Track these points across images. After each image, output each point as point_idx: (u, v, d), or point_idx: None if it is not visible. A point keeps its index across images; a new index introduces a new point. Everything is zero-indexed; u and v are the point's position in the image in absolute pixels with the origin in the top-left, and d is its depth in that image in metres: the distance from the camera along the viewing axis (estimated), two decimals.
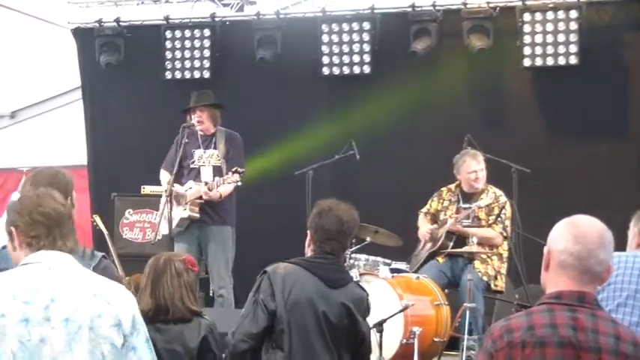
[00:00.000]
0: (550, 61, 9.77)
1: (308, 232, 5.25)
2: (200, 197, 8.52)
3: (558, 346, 3.02)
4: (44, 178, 4.08)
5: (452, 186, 8.78)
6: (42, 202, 3.28)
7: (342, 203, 5.25)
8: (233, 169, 8.37)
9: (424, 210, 8.88)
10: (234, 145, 8.84)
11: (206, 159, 8.79)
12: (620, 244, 4.58)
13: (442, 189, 8.83)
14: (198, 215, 8.57)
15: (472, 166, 8.58)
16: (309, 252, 5.26)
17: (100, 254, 4.01)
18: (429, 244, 8.72)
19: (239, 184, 8.39)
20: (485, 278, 8.31)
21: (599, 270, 3.13)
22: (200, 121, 8.77)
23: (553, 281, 3.17)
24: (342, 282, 5.18)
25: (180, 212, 8.55)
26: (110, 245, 8.95)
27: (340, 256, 5.34)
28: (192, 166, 8.76)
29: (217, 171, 8.70)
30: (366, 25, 10.43)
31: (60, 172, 4.16)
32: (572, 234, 3.14)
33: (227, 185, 8.42)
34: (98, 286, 3.21)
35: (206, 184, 8.54)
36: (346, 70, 10.48)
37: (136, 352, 3.17)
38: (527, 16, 9.86)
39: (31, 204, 3.28)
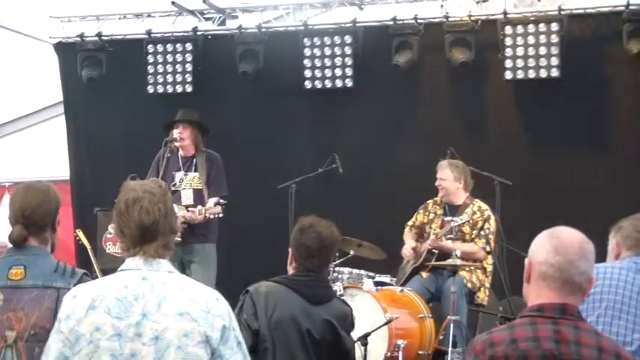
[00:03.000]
0: (532, 74, 9.79)
1: (289, 249, 5.26)
2: (182, 222, 8.49)
3: (541, 359, 3.02)
4: (36, 193, 4.06)
5: (437, 198, 8.79)
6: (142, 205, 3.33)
7: (322, 220, 5.26)
8: (215, 201, 8.40)
9: (410, 223, 8.89)
10: (216, 167, 8.79)
11: (187, 182, 8.75)
12: (602, 256, 4.61)
13: (428, 202, 8.84)
14: (179, 239, 8.54)
15: (437, 174, 8.64)
16: (290, 270, 5.27)
17: (80, 271, 3.99)
18: (412, 260, 8.72)
19: (220, 215, 8.40)
20: (469, 285, 8.31)
21: (580, 281, 3.14)
22: (182, 137, 8.73)
23: (534, 293, 3.17)
24: (325, 298, 5.19)
25: None
26: (93, 260, 8.93)
27: (322, 272, 5.35)
28: (172, 188, 8.71)
29: (198, 194, 8.68)
30: (348, 39, 10.44)
31: (51, 188, 4.14)
32: (553, 245, 3.15)
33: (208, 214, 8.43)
34: (187, 301, 3.26)
35: (187, 209, 8.50)
36: (328, 84, 10.48)
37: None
38: (508, 29, 9.88)
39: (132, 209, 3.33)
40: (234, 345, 3.28)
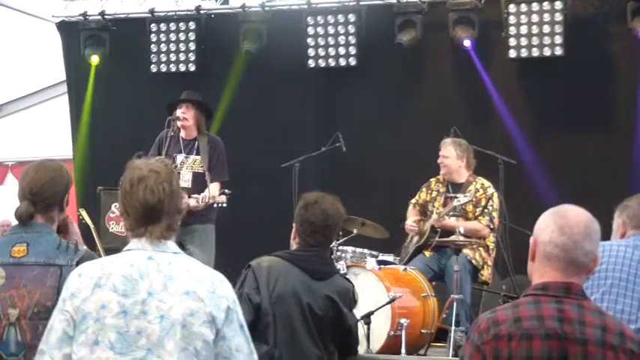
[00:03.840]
0: (535, 53, 9.79)
1: (293, 224, 5.26)
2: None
3: (545, 338, 3.01)
4: (46, 171, 4.04)
5: (440, 177, 8.78)
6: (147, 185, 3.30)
7: (327, 196, 5.25)
8: (221, 191, 8.38)
9: (413, 201, 8.88)
10: (218, 152, 8.73)
11: (188, 165, 8.72)
12: (607, 235, 4.60)
13: (431, 180, 8.83)
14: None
15: (440, 151, 8.63)
16: (294, 245, 5.27)
17: (83, 248, 3.99)
18: (415, 238, 8.73)
19: (224, 205, 8.38)
20: (473, 262, 8.30)
21: (585, 261, 3.12)
22: (185, 116, 8.69)
23: (539, 272, 3.16)
24: (327, 274, 5.19)
25: None
26: (97, 239, 8.93)
27: (325, 248, 5.34)
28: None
29: (198, 177, 8.64)
30: (352, 17, 10.42)
31: (63, 168, 4.12)
32: (558, 224, 3.13)
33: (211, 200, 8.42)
34: (193, 281, 3.25)
35: (188, 195, 8.48)
36: (332, 63, 10.47)
37: (226, 341, 3.23)
38: (512, 8, 9.87)
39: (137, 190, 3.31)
40: (237, 327, 3.27)
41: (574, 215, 3.15)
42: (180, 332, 3.16)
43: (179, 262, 3.30)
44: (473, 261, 8.30)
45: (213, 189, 8.50)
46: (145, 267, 3.23)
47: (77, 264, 3.81)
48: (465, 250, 8.27)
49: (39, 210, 3.96)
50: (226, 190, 8.40)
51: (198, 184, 8.61)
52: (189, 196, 8.51)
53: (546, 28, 9.74)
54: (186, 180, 8.65)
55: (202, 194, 8.46)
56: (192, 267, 3.31)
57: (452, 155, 8.60)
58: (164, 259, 3.27)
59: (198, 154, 8.70)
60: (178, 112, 8.72)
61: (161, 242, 3.30)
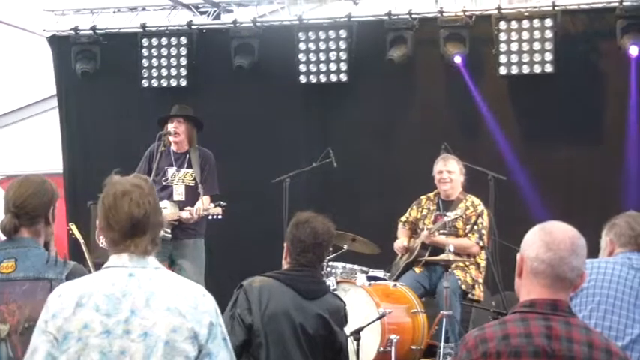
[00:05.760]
0: (526, 69, 9.82)
1: (284, 244, 5.27)
2: (175, 220, 8.48)
3: (533, 355, 3.03)
4: (30, 184, 4.06)
5: (431, 194, 8.79)
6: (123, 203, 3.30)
7: (319, 216, 5.27)
8: (216, 203, 8.39)
9: (403, 219, 8.88)
10: (209, 166, 8.76)
11: (179, 178, 8.74)
12: (596, 251, 4.62)
13: (421, 197, 8.84)
14: (170, 236, 8.53)
15: (439, 166, 8.64)
16: (285, 264, 5.28)
17: (72, 263, 3.99)
18: (406, 255, 8.73)
19: (219, 217, 8.39)
20: (463, 286, 8.32)
21: (572, 276, 3.14)
22: (177, 131, 8.71)
23: (526, 288, 3.18)
24: (318, 293, 5.20)
25: None
26: (86, 254, 8.90)
27: (316, 267, 5.35)
28: (164, 183, 8.70)
29: (190, 191, 8.67)
30: (343, 33, 10.44)
31: (47, 182, 4.14)
32: (544, 241, 3.15)
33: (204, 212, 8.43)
34: (175, 296, 3.25)
35: (181, 208, 8.50)
36: (323, 78, 10.49)
37: (212, 358, 3.23)
38: (502, 25, 9.90)
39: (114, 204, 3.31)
40: (220, 341, 3.27)
41: (560, 231, 3.17)
42: (163, 349, 3.15)
43: (160, 278, 3.30)
44: (463, 285, 8.31)
45: (206, 202, 8.52)
46: (126, 285, 3.23)
47: (67, 278, 3.82)
48: (456, 272, 8.27)
49: (24, 223, 3.97)
50: (221, 202, 8.42)
51: (192, 197, 8.64)
52: (182, 209, 8.53)
53: (536, 46, 9.77)
54: (179, 193, 8.68)
55: (195, 207, 8.48)
56: (173, 282, 3.31)
57: (456, 170, 8.62)
58: (145, 275, 3.26)
59: (189, 167, 8.72)
60: (170, 127, 8.74)
61: (142, 258, 3.29)
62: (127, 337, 3.15)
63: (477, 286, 8.44)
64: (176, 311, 3.20)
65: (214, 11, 11.30)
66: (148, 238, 3.30)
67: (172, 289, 3.27)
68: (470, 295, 8.39)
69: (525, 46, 9.81)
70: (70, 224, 9.48)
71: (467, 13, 10.12)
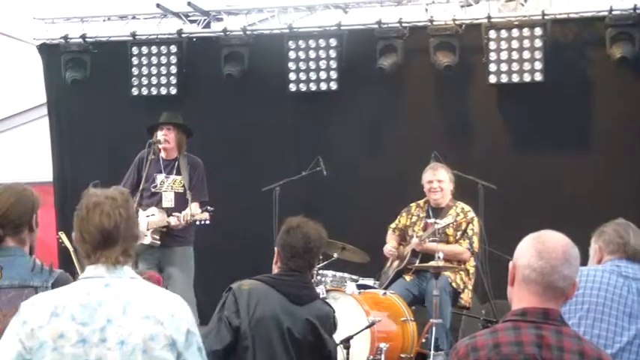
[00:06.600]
0: (515, 78, 9.84)
1: (275, 249, 5.26)
2: (164, 226, 8.48)
3: None
4: (11, 193, 4.07)
5: (421, 202, 8.81)
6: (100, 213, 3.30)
7: (310, 221, 5.27)
8: (203, 208, 8.39)
9: (392, 225, 8.90)
10: (198, 172, 8.79)
11: (168, 184, 8.74)
12: (585, 260, 4.62)
13: (411, 204, 8.86)
14: (159, 243, 8.53)
15: (428, 176, 8.66)
16: (275, 269, 5.28)
17: (58, 271, 3.99)
18: (395, 262, 8.74)
19: (207, 222, 8.39)
20: (454, 285, 8.32)
21: (563, 286, 3.14)
22: (166, 139, 8.72)
23: (518, 296, 3.18)
24: (308, 299, 5.19)
25: (141, 238, 8.45)
26: (76, 262, 8.87)
27: (306, 273, 5.34)
28: (153, 190, 8.71)
29: (179, 197, 8.68)
30: (333, 42, 10.45)
31: (27, 189, 4.15)
32: (537, 249, 3.15)
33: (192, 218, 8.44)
34: (152, 304, 3.24)
35: (169, 214, 8.50)
36: (313, 87, 10.49)
37: None
38: (492, 34, 9.92)
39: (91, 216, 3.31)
40: (195, 350, 3.27)
41: (553, 240, 3.17)
42: (142, 357, 3.15)
43: (136, 287, 3.29)
44: (453, 284, 8.33)
45: (194, 208, 8.52)
46: (102, 295, 3.22)
47: (53, 286, 3.82)
48: (447, 272, 8.28)
49: (8, 232, 3.98)
50: (209, 207, 8.42)
51: (181, 203, 8.64)
52: (170, 215, 8.53)
53: (526, 54, 9.80)
54: (169, 200, 8.68)
55: (183, 212, 8.48)
56: (150, 291, 3.31)
57: (446, 179, 8.64)
58: (121, 285, 3.25)
59: (178, 174, 8.74)
60: (159, 135, 8.75)
61: (117, 268, 3.28)
62: (104, 346, 3.15)
63: (466, 290, 8.45)
64: (154, 319, 3.20)
65: (204, 20, 11.29)
66: (119, 249, 3.29)
67: (149, 297, 3.26)
68: (460, 298, 8.39)
69: (515, 55, 9.83)
70: (59, 233, 9.45)
71: (457, 22, 10.14)
